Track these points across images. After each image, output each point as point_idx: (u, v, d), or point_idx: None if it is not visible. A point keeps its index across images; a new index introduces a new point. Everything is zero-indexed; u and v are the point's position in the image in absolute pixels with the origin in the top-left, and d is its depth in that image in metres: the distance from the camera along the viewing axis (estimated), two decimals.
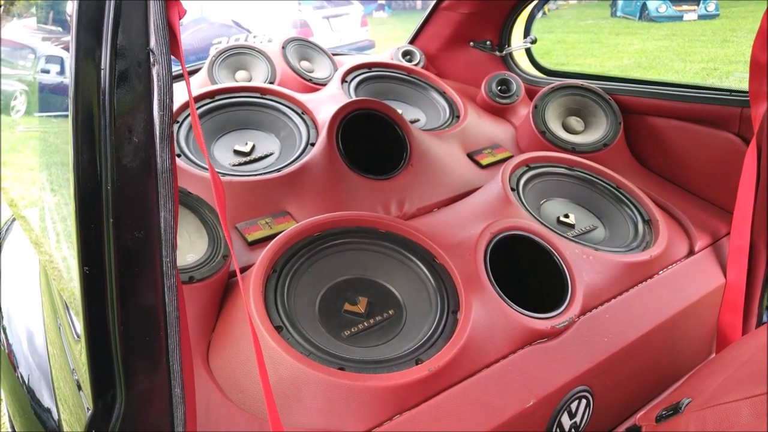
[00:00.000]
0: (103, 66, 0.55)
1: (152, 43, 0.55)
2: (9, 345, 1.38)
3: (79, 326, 0.67)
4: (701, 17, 10.49)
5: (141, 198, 0.59)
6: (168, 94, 0.57)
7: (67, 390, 1.02)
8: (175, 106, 1.62)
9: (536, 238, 1.33)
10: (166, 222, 0.61)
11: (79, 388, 0.90)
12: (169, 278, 0.63)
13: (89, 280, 0.60)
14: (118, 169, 0.57)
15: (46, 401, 1.19)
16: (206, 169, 1.48)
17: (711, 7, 10.53)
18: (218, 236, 1.22)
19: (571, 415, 1.24)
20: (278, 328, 1.06)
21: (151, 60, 0.56)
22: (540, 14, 2.25)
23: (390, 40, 9.93)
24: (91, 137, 0.56)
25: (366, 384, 1.00)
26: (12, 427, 1.49)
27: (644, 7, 10.79)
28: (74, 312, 0.79)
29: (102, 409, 0.64)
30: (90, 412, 0.65)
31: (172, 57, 0.59)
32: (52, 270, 1.09)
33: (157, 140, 0.58)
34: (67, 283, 0.90)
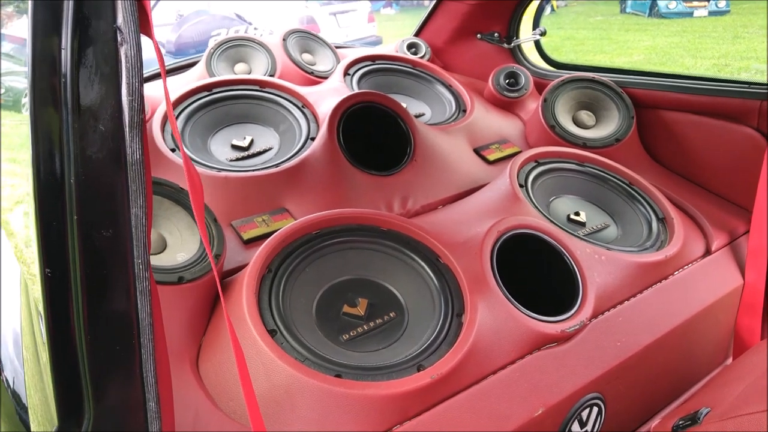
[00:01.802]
0: (63, 45, 0.49)
1: (119, 20, 0.50)
2: None
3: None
4: (712, 13, 10.40)
5: (109, 193, 0.54)
6: (138, 77, 0.51)
7: (37, 399, 0.97)
8: (173, 97, 1.56)
9: (546, 237, 1.27)
10: (138, 219, 0.55)
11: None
12: (141, 281, 0.57)
13: (52, 284, 0.54)
14: (83, 161, 0.52)
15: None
16: (202, 164, 1.43)
17: (721, 4, 10.43)
18: (212, 234, 1.17)
19: (582, 424, 1.18)
20: (272, 332, 1.00)
21: (119, 39, 0.50)
22: (549, 10, 2.18)
23: (397, 36, 9.85)
24: (52, 125, 0.50)
25: (364, 392, 0.95)
26: None
27: (654, 3, 10.70)
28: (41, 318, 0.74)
29: (69, 425, 0.58)
30: (56, 427, 0.59)
31: (143, 35, 0.53)
32: (27, 274, 1.04)
33: (126, 128, 0.52)
34: (32, 285, 0.85)
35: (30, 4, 0.48)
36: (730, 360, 1.57)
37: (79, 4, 0.49)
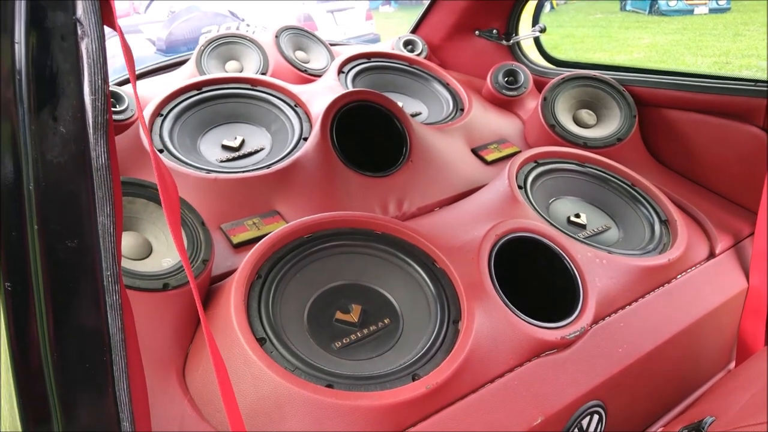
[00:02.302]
0: (17, 39, 0.45)
1: (79, 12, 0.45)
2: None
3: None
4: (712, 11, 10.35)
5: (72, 200, 0.49)
6: (101, 75, 0.47)
7: (6, 410, 0.93)
8: (161, 96, 1.52)
9: (545, 241, 1.23)
10: (105, 229, 0.51)
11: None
12: (111, 295, 0.53)
13: (13, 299, 0.50)
14: (43, 166, 0.47)
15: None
16: (191, 165, 1.38)
17: (722, 1, 10.39)
18: (198, 239, 1.12)
19: None
20: (261, 341, 0.96)
21: (79, 32, 0.46)
22: (548, 8, 2.14)
23: (396, 34, 9.81)
24: (7, 128, 0.46)
25: (356, 403, 0.91)
26: None
27: (654, 1, 10.66)
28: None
29: None
30: None
31: (106, 28, 0.49)
32: None
33: (90, 130, 0.48)
34: None
35: None
36: (732, 365, 1.54)
37: None
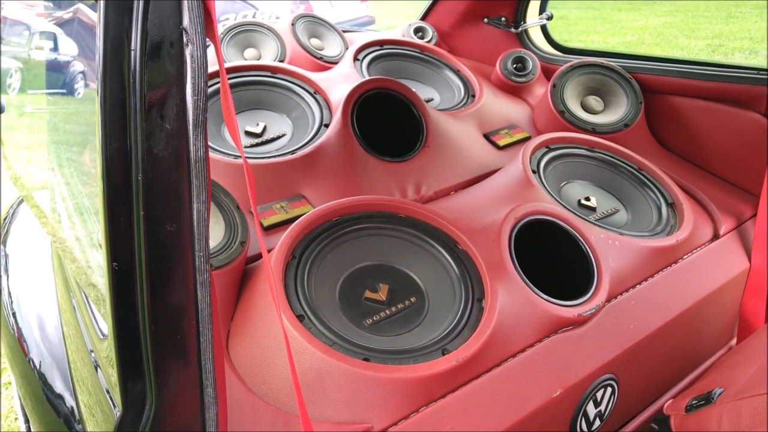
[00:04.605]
0: (133, 47, 0.50)
1: (185, 22, 0.51)
2: (19, 330, 1.36)
3: (105, 324, 0.63)
4: None
5: (173, 189, 0.55)
6: (202, 77, 0.52)
7: (86, 371, 0.99)
8: None
9: (562, 223, 1.30)
10: (200, 214, 0.57)
11: (96, 367, 0.87)
12: (201, 273, 0.59)
13: (118, 277, 0.56)
14: (149, 159, 0.53)
15: (59, 387, 1.17)
16: (218, 150, 1.43)
17: None
18: (235, 222, 1.18)
19: (597, 404, 1.22)
20: (300, 317, 1.02)
21: (185, 40, 0.51)
22: None
23: (390, 16, 9.79)
24: (121, 125, 0.52)
25: (393, 375, 0.97)
26: (24, 412, 1.47)
27: None
28: (98, 303, 0.76)
29: (132, 411, 0.60)
30: (119, 413, 0.61)
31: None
32: (67, 253, 1.05)
33: (190, 127, 0.54)
34: (85, 269, 0.86)
35: (101, 5, 0.49)
36: (734, 341, 1.62)
37: (148, 6, 0.50)
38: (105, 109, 0.51)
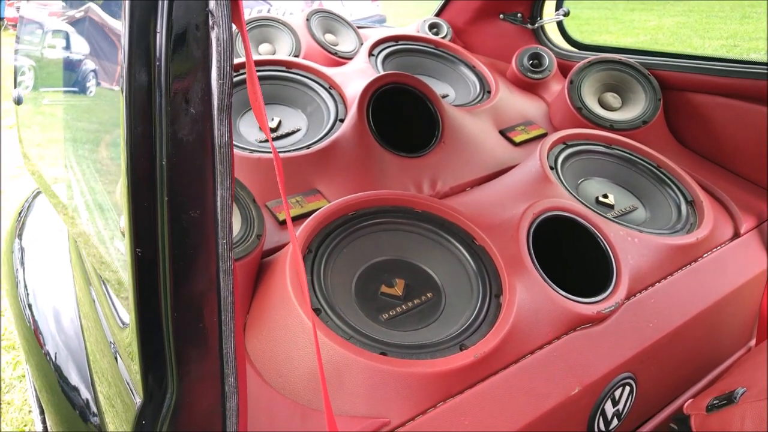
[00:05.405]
0: (159, 29, 0.49)
1: (211, 5, 0.50)
2: (35, 322, 1.36)
3: (126, 312, 0.63)
4: None
5: (197, 175, 0.54)
6: (228, 61, 0.52)
7: (105, 363, 0.99)
8: None
9: (580, 220, 1.28)
10: (223, 201, 0.56)
11: (116, 358, 0.86)
12: (224, 261, 0.58)
13: (141, 264, 0.56)
14: (174, 144, 0.52)
15: (74, 379, 1.17)
16: (234, 145, 1.43)
17: None
18: (251, 215, 1.18)
19: (615, 403, 1.20)
20: (317, 311, 1.01)
21: (210, 23, 0.51)
22: None
23: (401, 15, 9.79)
24: (145, 109, 0.51)
25: (411, 370, 0.96)
26: (39, 404, 1.47)
27: None
28: (120, 297, 0.75)
29: (153, 400, 0.60)
30: (140, 402, 0.61)
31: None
32: (86, 246, 1.05)
33: (215, 111, 0.53)
34: (105, 261, 0.86)
35: None
36: (753, 341, 1.59)
37: None
38: (130, 93, 0.51)
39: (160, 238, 0.55)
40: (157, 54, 0.50)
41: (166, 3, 0.49)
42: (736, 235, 1.49)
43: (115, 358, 0.85)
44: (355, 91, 1.57)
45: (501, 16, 2.19)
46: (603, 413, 1.18)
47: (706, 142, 1.74)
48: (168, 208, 0.54)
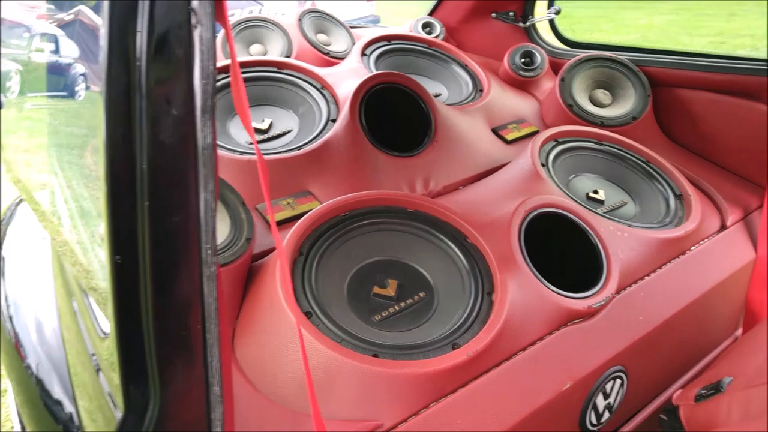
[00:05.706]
0: (139, 28, 0.48)
1: (194, 3, 0.49)
2: (16, 335, 1.34)
3: (107, 322, 0.62)
4: None
5: (180, 178, 0.54)
6: (211, 61, 0.51)
7: (86, 376, 0.98)
8: None
9: (571, 216, 1.28)
10: (207, 204, 0.55)
11: (98, 371, 0.85)
12: (208, 266, 0.57)
13: (121, 271, 0.55)
14: (155, 146, 0.52)
15: (57, 393, 1.15)
16: (223, 147, 1.42)
17: None
18: (240, 218, 1.17)
19: (606, 396, 1.21)
20: (308, 314, 1.01)
21: (193, 21, 0.50)
22: None
23: (395, 15, 9.79)
24: (125, 110, 0.50)
25: (403, 371, 0.96)
26: (20, 420, 1.45)
27: None
28: (100, 305, 0.74)
29: (134, 412, 0.59)
30: (121, 414, 0.60)
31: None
32: (68, 255, 1.04)
33: (198, 113, 0.52)
34: (88, 271, 0.85)
35: None
36: (739, 331, 1.61)
37: None
38: (110, 94, 0.50)
39: (141, 244, 0.54)
40: (138, 54, 0.49)
41: (147, 1, 0.48)
42: (723, 227, 1.51)
43: (96, 371, 0.84)
44: (348, 91, 1.57)
45: (493, 14, 2.19)
46: (594, 407, 1.19)
47: (694, 136, 1.75)
48: (149, 212, 0.53)
